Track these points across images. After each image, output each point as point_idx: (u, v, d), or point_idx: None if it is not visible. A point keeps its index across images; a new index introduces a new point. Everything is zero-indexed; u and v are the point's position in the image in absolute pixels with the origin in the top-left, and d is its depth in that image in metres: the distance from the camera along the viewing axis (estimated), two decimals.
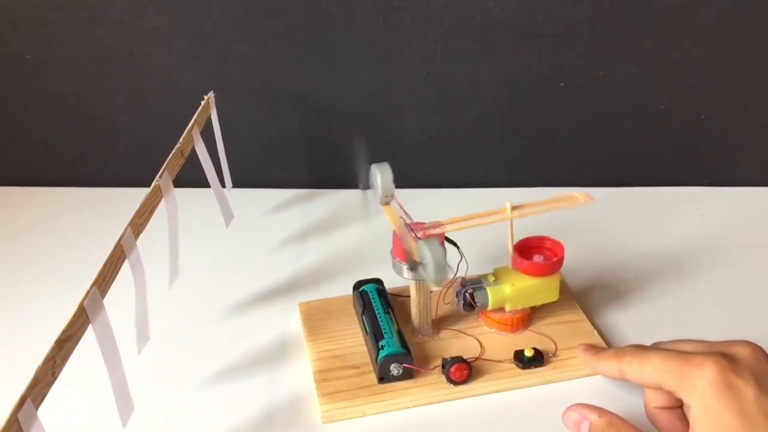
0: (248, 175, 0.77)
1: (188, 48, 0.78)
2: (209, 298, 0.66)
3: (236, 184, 0.76)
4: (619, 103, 0.80)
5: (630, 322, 0.62)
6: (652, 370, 0.47)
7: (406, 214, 0.55)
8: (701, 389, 0.43)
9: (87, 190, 0.84)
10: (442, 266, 0.50)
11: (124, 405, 0.47)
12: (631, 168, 0.85)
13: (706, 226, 0.76)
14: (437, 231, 0.55)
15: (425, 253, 0.50)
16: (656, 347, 0.50)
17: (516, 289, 0.57)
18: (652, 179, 0.84)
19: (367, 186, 0.57)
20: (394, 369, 0.54)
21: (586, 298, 0.65)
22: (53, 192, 0.84)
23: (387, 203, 0.55)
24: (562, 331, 0.60)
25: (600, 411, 0.48)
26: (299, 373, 0.57)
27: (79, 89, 0.81)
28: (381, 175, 0.54)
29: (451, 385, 0.54)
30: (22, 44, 0.78)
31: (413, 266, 0.52)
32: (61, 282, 0.68)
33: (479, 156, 0.84)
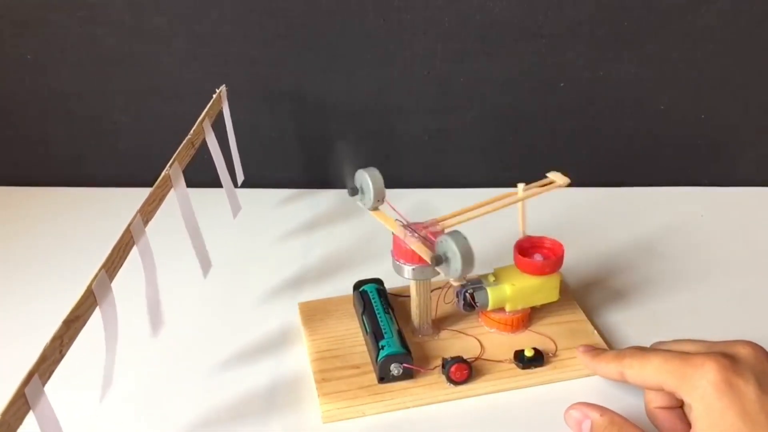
0: (248, 175, 0.77)
1: (188, 48, 0.78)
2: (209, 297, 0.66)
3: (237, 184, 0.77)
4: (619, 103, 0.80)
5: (630, 322, 0.62)
6: (652, 371, 0.47)
7: (400, 215, 0.55)
8: (702, 389, 0.43)
9: (87, 190, 0.84)
10: (470, 257, 0.48)
11: (107, 383, 0.47)
12: (631, 168, 0.85)
13: (706, 226, 0.76)
14: (436, 228, 0.55)
15: (450, 246, 0.49)
16: (656, 348, 0.50)
17: (516, 289, 0.57)
18: (652, 179, 0.84)
19: (354, 191, 0.57)
20: (394, 369, 0.54)
21: (586, 298, 0.65)
22: (53, 192, 0.84)
23: (376, 208, 0.55)
24: (562, 331, 0.60)
25: (602, 410, 0.48)
26: (299, 373, 0.57)
27: (79, 89, 0.81)
28: (372, 180, 0.54)
29: (451, 385, 0.54)
30: (22, 44, 0.78)
31: (438, 261, 0.50)
32: (61, 282, 0.68)
33: (479, 156, 0.84)
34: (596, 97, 0.80)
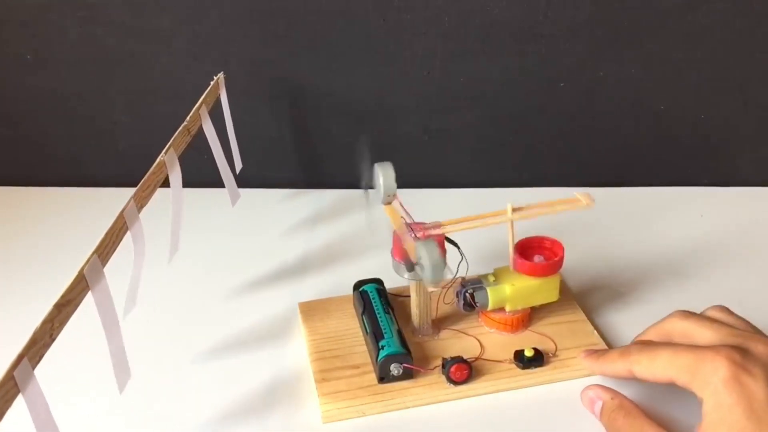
0: (248, 175, 0.77)
1: (188, 48, 0.78)
2: (209, 297, 0.66)
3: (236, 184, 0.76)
4: (619, 103, 0.80)
5: (630, 322, 0.62)
6: (662, 366, 0.46)
7: (407, 214, 0.55)
8: (714, 385, 0.43)
9: (87, 190, 0.84)
10: (439, 267, 0.49)
11: (122, 372, 0.47)
12: (631, 168, 0.85)
13: (706, 226, 0.76)
14: (437, 231, 0.55)
15: (422, 253, 0.49)
16: (662, 342, 0.50)
17: (516, 289, 0.57)
18: (652, 179, 0.84)
19: (369, 185, 0.57)
20: (394, 369, 0.54)
21: (586, 298, 0.65)
22: (53, 192, 0.84)
23: (389, 203, 0.55)
24: (562, 331, 0.60)
25: (614, 393, 0.50)
26: (299, 373, 0.57)
27: (79, 89, 0.81)
28: (383, 174, 0.54)
29: (451, 385, 0.54)
30: (22, 44, 0.78)
31: (410, 266, 0.53)
32: (61, 282, 0.68)
33: (479, 156, 0.84)
34: (596, 97, 0.80)
